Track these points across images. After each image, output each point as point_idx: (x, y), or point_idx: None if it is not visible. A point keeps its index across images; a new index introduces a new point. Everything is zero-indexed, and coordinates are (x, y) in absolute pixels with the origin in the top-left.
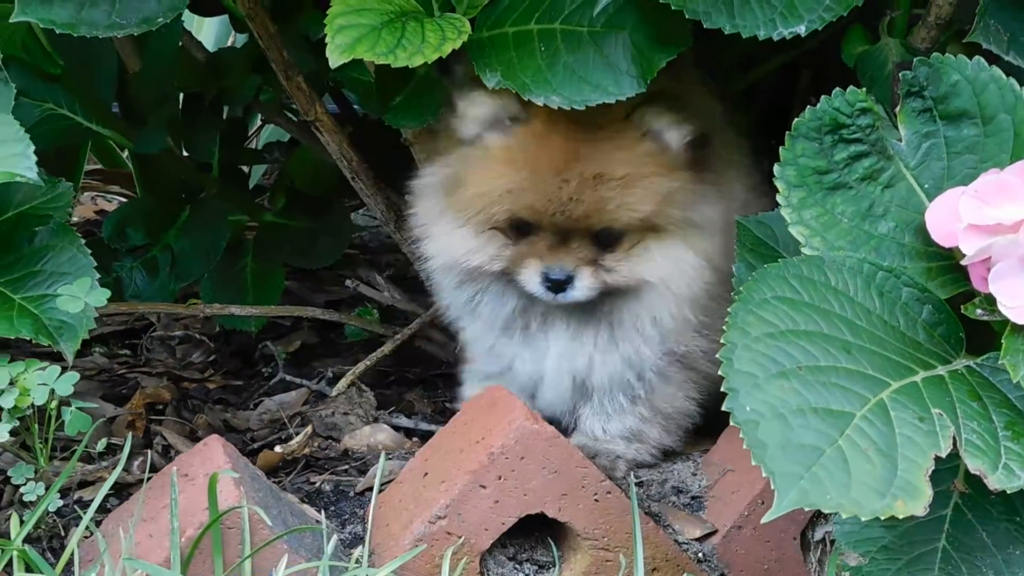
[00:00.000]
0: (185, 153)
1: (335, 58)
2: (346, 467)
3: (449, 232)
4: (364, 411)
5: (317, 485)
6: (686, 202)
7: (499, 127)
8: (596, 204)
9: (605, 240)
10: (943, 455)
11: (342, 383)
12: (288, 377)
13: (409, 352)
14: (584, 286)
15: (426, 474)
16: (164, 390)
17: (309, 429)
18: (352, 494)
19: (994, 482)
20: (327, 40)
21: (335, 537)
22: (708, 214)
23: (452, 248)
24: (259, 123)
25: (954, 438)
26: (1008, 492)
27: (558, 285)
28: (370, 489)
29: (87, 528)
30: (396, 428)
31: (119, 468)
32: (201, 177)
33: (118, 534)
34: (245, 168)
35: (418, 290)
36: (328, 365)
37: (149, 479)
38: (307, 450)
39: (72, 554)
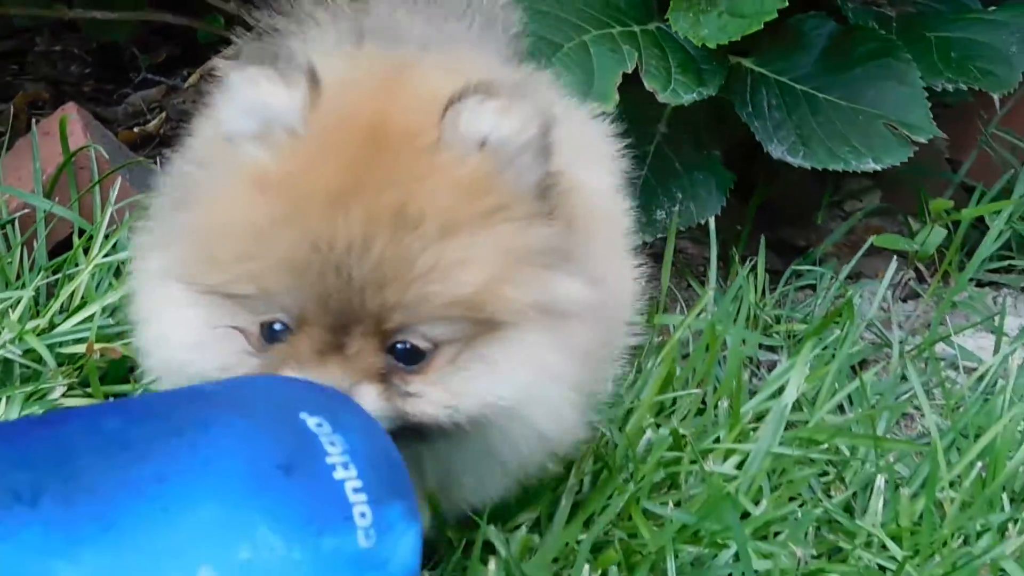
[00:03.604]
0: None
1: None
2: None
3: (169, 310)
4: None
5: (167, 156)
6: (544, 273)
7: (269, 135)
8: (392, 267)
9: (404, 352)
10: (629, 72)
11: (193, 78)
12: (150, 76)
13: None
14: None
15: None
16: (43, 91)
17: (163, 115)
18: None
19: (663, 98)
20: None
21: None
22: (575, 292)
23: (170, 340)
24: None
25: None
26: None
27: None
28: None
29: None
30: None
31: None
32: None
33: None
34: None
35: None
36: (190, 70)
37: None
38: (161, 131)
39: None
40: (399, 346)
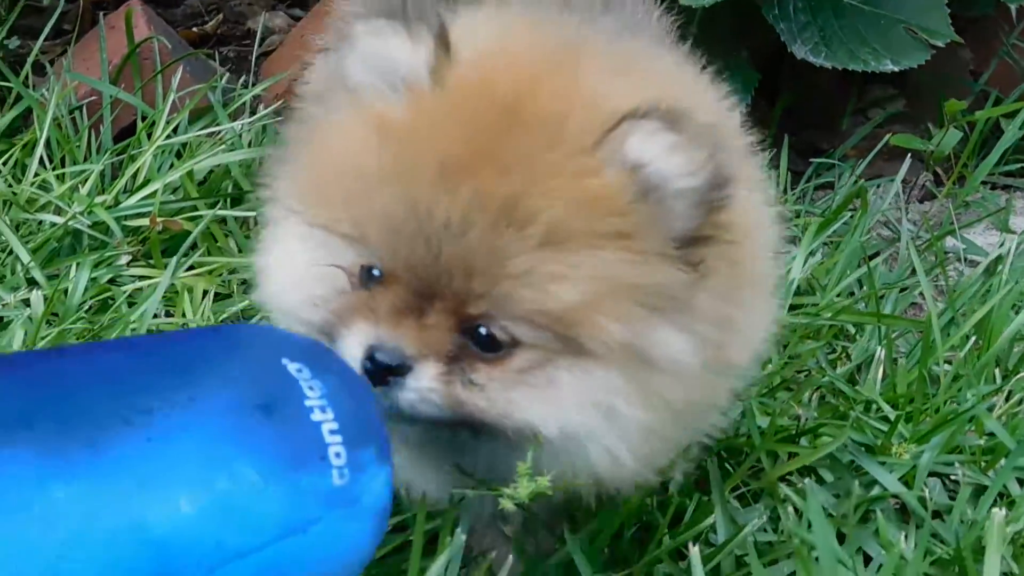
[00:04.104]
0: None
1: None
2: (247, 42)
3: (280, 244)
4: (266, 1)
5: (224, 53)
6: (648, 316)
7: (396, 87)
8: (484, 260)
9: (482, 337)
10: None
11: None
12: None
13: None
14: (421, 389)
15: (302, 35)
16: None
17: (220, 16)
18: (250, 58)
19: (684, 1)
20: None
21: (225, 69)
22: (678, 348)
23: (275, 274)
24: None
25: None
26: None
27: (383, 372)
28: (264, 54)
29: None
30: (291, 17)
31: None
32: None
33: (62, 69)
34: None
35: None
36: None
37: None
38: (219, 31)
39: (27, 75)
40: (480, 329)
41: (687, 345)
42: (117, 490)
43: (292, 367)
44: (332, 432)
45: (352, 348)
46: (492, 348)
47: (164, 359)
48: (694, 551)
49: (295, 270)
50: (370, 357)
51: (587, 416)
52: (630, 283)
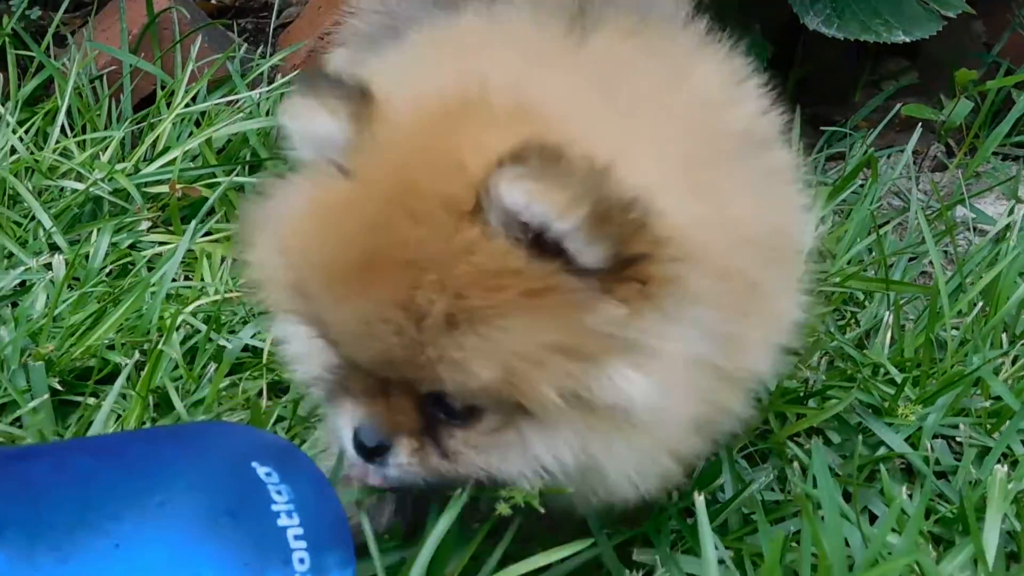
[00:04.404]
0: None
1: None
2: (265, 14)
3: (281, 317)
4: None
5: (242, 25)
6: (585, 366)
7: (322, 165)
8: (407, 351)
9: (446, 408)
10: None
11: None
12: None
13: None
14: (400, 466)
15: (319, 7)
16: None
17: None
18: (267, 30)
19: None
20: None
21: (243, 40)
22: (634, 387)
23: (286, 345)
24: None
25: None
26: None
27: (370, 453)
28: (282, 26)
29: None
30: None
31: None
32: None
33: (82, 39)
34: None
35: None
36: None
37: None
38: (236, 3)
39: (49, 45)
40: (442, 402)
41: (645, 380)
42: None
43: (261, 471)
44: (297, 537)
45: (344, 429)
46: (459, 416)
47: (134, 461)
48: (699, 500)
49: (298, 347)
50: (355, 437)
51: (556, 467)
52: (553, 342)
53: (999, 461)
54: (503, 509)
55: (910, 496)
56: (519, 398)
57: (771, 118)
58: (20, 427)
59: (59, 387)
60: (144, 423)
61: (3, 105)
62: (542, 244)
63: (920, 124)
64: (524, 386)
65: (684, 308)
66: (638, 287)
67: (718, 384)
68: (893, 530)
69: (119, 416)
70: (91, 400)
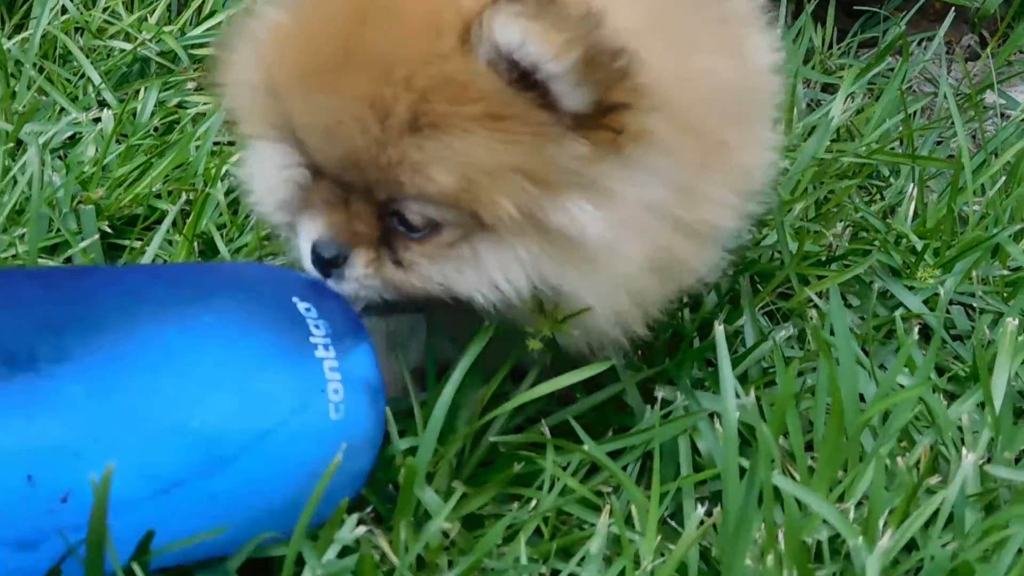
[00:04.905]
0: None
1: None
2: None
3: (251, 151)
4: None
5: None
6: (543, 192)
7: None
8: (370, 150)
9: (404, 219)
10: None
11: None
12: None
13: None
14: (357, 277)
15: None
16: None
17: None
18: None
19: None
20: None
21: None
22: (586, 220)
23: (253, 182)
24: None
25: None
26: None
27: (326, 264)
28: None
29: None
30: None
31: None
32: None
33: None
34: None
35: None
36: None
37: None
38: None
39: None
40: (399, 213)
41: (599, 215)
42: (140, 398)
43: (301, 306)
44: (332, 369)
45: (304, 245)
46: (416, 229)
47: (186, 285)
48: (719, 329)
49: (264, 180)
50: (314, 249)
51: (506, 286)
52: (513, 163)
53: None
54: (534, 344)
55: (924, 355)
56: (476, 207)
57: None
58: (72, 266)
59: (108, 230)
60: None
61: None
62: (524, 80)
63: (953, 11)
64: (482, 196)
65: (647, 156)
66: (611, 133)
67: (673, 233)
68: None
69: (166, 261)
70: (138, 243)
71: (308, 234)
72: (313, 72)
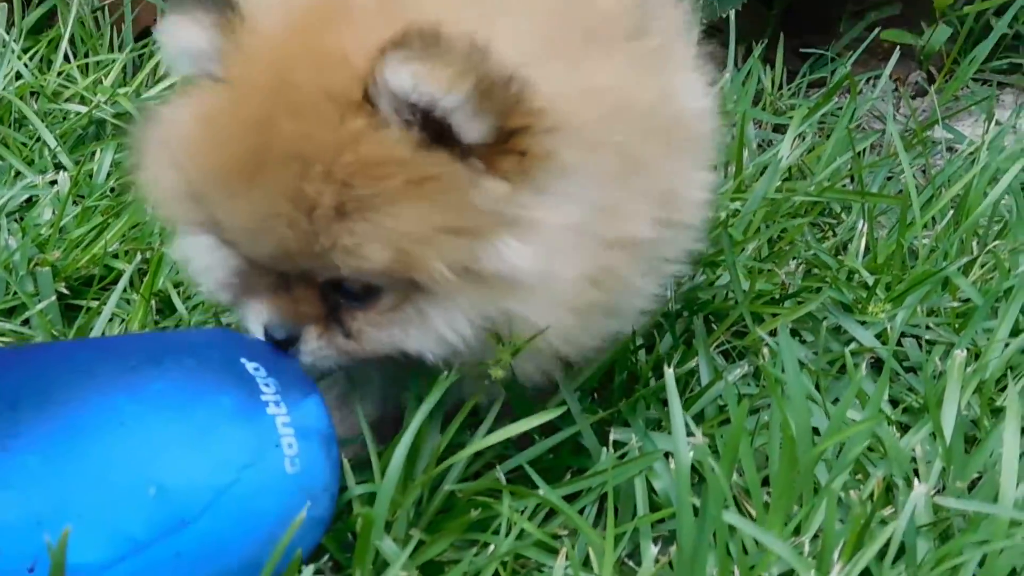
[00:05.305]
0: None
1: None
2: None
3: (181, 233)
4: None
5: None
6: (472, 243)
7: (201, 78)
8: (300, 242)
9: (345, 291)
10: None
11: None
12: None
13: None
14: (312, 352)
15: None
16: None
17: None
18: None
19: None
20: None
21: None
22: (520, 258)
23: (189, 263)
24: None
25: None
26: None
27: (282, 345)
28: None
29: None
30: None
31: None
32: None
33: None
34: None
35: None
36: None
37: None
38: None
39: None
40: (340, 286)
41: (529, 249)
42: (93, 466)
43: (250, 366)
44: (285, 424)
45: (254, 328)
46: (358, 298)
47: (135, 355)
48: (668, 372)
49: (199, 260)
50: (267, 334)
51: (453, 339)
52: (441, 223)
53: None
54: (496, 372)
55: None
56: (413, 275)
57: (651, 9)
58: (29, 327)
59: (65, 291)
60: (145, 326)
61: (7, 33)
62: (430, 128)
63: (899, 50)
64: (416, 264)
65: (559, 180)
66: (517, 159)
67: (602, 251)
68: (856, 414)
69: (123, 320)
70: (95, 303)
71: (257, 318)
72: (232, 174)
